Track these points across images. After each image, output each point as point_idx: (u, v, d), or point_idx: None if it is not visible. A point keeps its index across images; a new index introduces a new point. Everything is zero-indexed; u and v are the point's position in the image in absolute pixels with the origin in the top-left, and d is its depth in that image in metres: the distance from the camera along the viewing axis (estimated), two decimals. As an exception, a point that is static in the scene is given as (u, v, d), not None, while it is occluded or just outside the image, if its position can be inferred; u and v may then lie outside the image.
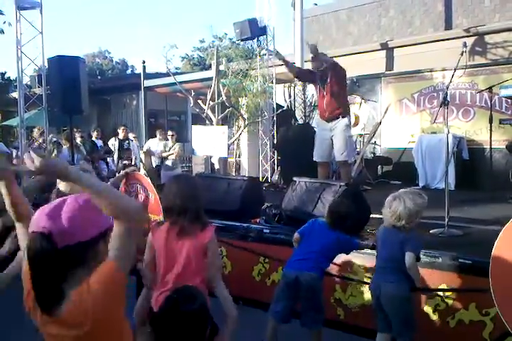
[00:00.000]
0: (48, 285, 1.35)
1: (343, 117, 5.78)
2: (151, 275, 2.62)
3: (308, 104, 9.13)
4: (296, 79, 7.26)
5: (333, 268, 3.89)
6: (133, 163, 9.57)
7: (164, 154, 8.97)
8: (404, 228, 2.95)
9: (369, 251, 3.67)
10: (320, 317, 3.22)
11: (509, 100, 6.79)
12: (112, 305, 1.40)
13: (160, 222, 2.85)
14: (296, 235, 3.41)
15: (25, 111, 7.84)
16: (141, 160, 9.74)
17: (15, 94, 9.08)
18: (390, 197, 3.04)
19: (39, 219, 1.37)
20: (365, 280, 3.70)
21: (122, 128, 10.17)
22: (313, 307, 3.19)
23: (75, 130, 9.20)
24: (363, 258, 3.75)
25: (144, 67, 13.00)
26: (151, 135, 10.95)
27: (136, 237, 1.50)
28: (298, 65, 9.14)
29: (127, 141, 9.87)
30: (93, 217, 1.42)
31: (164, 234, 2.59)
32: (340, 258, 3.67)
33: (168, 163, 8.92)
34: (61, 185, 3.03)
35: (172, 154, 8.79)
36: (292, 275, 3.19)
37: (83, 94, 7.36)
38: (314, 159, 5.97)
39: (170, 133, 9.27)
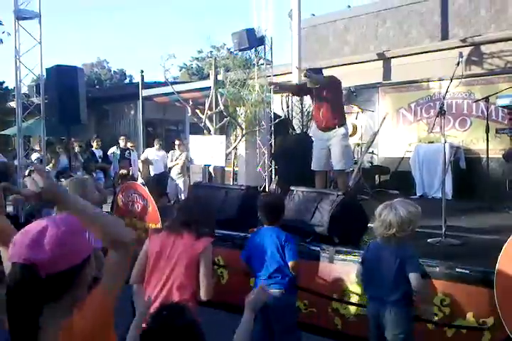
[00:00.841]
0: (26, 323, 1.27)
1: (339, 127, 5.81)
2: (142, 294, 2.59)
3: (306, 113, 9.16)
4: (295, 95, 7.36)
5: (329, 277, 3.88)
6: (131, 172, 9.57)
7: (170, 164, 9.01)
8: (396, 237, 2.74)
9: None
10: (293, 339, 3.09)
11: (505, 110, 6.83)
12: (103, 329, 1.37)
13: (158, 228, 2.88)
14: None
15: (23, 121, 7.84)
16: (138, 170, 9.75)
17: (13, 104, 9.09)
18: (381, 206, 2.88)
19: (20, 248, 1.30)
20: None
21: (122, 137, 10.21)
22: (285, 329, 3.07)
23: (73, 140, 9.22)
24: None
25: (142, 77, 13.04)
26: (148, 144, 10.97)
27: (128, 263, 1.50)
28: (295, 74, 9.19)
29: (128, 151, 9.89)
30: (76, 243, 1.36)
31: (160, 241, 2.62)
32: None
33: (175, 172, 8.94)
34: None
35: (178, 163, 8.85)
36: None
37: (81, 103, 7.37)
38: (312, 168, 5.99)
39: (177, 142, 9.30)
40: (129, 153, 9.89)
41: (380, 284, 2.80)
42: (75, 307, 1.33)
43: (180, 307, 1.83)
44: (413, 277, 2.67)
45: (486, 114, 6.64)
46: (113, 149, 10.06)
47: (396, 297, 2.73)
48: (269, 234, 3.21)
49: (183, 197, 8.40)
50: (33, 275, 1.26)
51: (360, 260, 3.13)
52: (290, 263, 3.11)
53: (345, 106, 6.39)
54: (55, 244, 1.30)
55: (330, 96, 5.80)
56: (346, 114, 6.31)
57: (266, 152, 8.77)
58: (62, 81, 7.19)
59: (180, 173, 8.88)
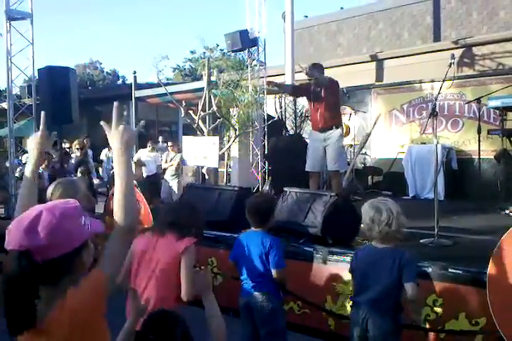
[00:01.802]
0: (23, 308, 1.28)
1: (336, 128, 5.83)
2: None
3: (299, 114, 9.17)
4: (291, 96, 7.37)
5: (323, 278, 3.89)
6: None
7: (164, 165, 8.99)
8: (388, 235, 2.63)
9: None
10: None
11: (497, 111, 6.88)
12: (93, 312, 1.38)
13: (143, 229, 2.87)
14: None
15: (15, 122, 7.79)
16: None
17: (4, 105, 9.03)
18: (366, 207, 2.76)
19: (15, 235, 1.31)
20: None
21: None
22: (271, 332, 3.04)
23: (65, 140, 9.18)
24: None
25: (135, 78, 13.00)
26: (141, 145, 10.93)
27: (129, 247, 1.55)
28: (289, 75, 9.21)
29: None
30: (72, 229, 1.37)
31: (144, 241, 2.63)
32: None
33: (168, 173, 8.92)
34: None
35: (172, 165, 8.83)
36: (244, 300, 3.12)
37: (73, 104, 7.34)
38: (306, 169, 5.99)
39: (170, 143, 9.33)
40: None
41: (371, 290, 2.68)
42: (70, 288, 1.35)
43: (175, 316, 1.80)
44: (410, 287, 2.54)
45: (477, 115, 6.68)
46: (105, 151, 10.02)
47: (387, 304, 2.64)
48: (254, 239, 3.14)
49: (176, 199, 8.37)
50: (29, 262, 1.28)
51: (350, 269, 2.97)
52: (274, 272, 3.03)
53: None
54: (49, 230, 1.32)
55: (329, 97, 5.82)
56: (339, 115, 6.34)
57: (259, 153, 8.76)
58: (54, 82, 7.16)
59: (174, 175, 8.86)
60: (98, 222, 1.48)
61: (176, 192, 8.68)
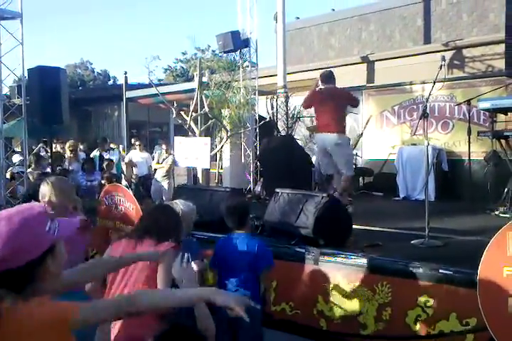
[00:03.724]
0: None
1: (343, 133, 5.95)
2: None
3: (291, 115, 9.19)
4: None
5: (314, 279, 3.89)
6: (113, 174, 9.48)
7: (155, 166, 8.96)
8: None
9: (351, 262, 3.68)
10: None
11: (487, 113, 6.93)
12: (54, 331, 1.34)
13: (121, 235, 2.80)
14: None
15: (4, 122, 7.72)
16: (122, 172, 9.66)
17: (-6, 105, 8.94)
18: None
19: None
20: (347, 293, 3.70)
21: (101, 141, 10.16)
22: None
23: (55, 141, 9.12)
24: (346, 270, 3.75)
25: (126, 78, 12.95)
26: (132, 146, 10.89)
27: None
28: (280, 76, 9.23)
29: (109, 152, 9.80)
30: (32, 237, 1.34)
31: (121, 247, 2.57)
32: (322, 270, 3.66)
33: (159, 174, 8.88)
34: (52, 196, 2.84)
35: (163, 167, 8.77)
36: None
37: (63, 104, 7.28)
38: (324, 173, 6.28)
39: (164, 145, 9.31)
40: (109, 154, 9.82)
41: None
42: (35, 299, 1.33)
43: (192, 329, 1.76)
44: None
45: (467, 116, 6.73)
46: (94, 152, 9.98)
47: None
48: (239, 242, 3.12)
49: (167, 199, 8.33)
50: None
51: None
52: (262, 273, 3.06)
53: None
54: (5, 241, 1.29)
55: (339, 102, 5.95)
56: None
57: (251, 154, 8.77)
58: (44, 82, 7.10)
59: (165, 176, 8.83)
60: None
61: (167, 192, 8.65)
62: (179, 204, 3.27)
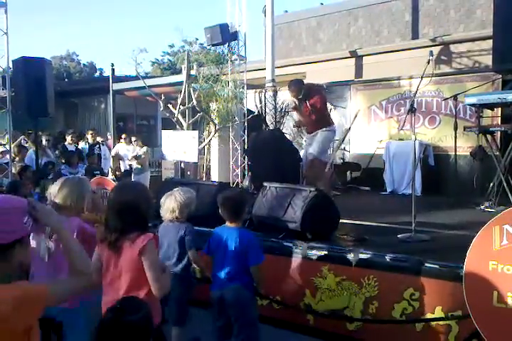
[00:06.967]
0: None
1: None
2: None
3: (279, 109, 9.17)
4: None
5: (302, 272, 3.90)
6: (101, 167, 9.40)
7: (128, 162, 8.99)
8: (177, 219, 3.35)
9: (338, 256, 3.69)
10: (253, 334, 3.10)
11: (473, 108, 6.98)
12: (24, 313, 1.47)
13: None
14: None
15: (-12, 114, 7.60)
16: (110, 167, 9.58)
17: (-23, 96, 8.78)
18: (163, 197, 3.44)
19: None
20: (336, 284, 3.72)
21: (91, 132, 10.01)
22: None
23: (41, 133, 8.99)
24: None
25: (113, 70, 12.80)
26: (119, 139, 10.79)
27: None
28: (269, 70, 9.19)
29: (98, 146, 9.67)
30: (6, 223, 1.51)
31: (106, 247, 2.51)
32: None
33: (135, 167, 8.87)
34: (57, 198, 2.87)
35: (136, 160, 8.83)
36: (217, 293, 3.16)
37: (49, 96, 7.19)
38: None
39: (134, 138, 9.50)
40: (99, 147, 9.69)
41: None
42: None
43: (136, 302, 1.84)
44: (190, 253, 3.33)
45: (454, 112, 6.77)
46: (81, 144, 9.87)
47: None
48: (231, 235, 3.14)
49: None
50: None
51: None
52: (253, 266, 3.09)
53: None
54: None
55: (317, 104, 6.22)
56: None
57: (239, 148, 8.74)
58: (29, 73, 7.00)
59: (140, 169, 8.88)
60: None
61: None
62: (181, 193, 3.45)
